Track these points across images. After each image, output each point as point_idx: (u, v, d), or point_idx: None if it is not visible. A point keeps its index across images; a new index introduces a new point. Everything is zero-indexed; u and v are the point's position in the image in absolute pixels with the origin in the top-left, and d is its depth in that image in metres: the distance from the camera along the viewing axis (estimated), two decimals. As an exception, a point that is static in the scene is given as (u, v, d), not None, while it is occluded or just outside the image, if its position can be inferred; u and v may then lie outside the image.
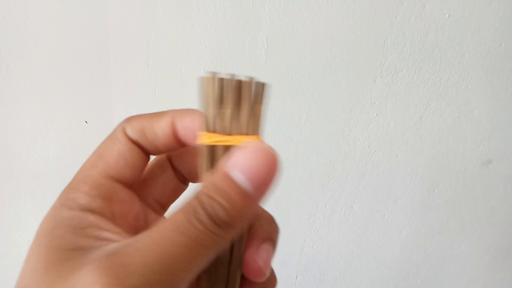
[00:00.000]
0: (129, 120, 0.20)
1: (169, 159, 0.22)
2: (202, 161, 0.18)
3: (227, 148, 0.17)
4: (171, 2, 0.51)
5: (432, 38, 0.54)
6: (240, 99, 0.17)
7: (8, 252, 0.67)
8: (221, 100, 0.17)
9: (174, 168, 0.22)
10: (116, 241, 0.16)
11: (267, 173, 0.16)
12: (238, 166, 0.16)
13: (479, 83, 0.57)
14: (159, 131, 0.20)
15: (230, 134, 0.17)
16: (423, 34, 0.53)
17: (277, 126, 0.59)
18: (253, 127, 0.18)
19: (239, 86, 0.17)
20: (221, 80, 0.17)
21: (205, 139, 0.17)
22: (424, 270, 0.75)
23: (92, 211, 0.18)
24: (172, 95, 0.55)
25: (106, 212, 0.18)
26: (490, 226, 0.71)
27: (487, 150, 0.63)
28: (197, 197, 0.16)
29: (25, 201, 0.62)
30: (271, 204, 0.63)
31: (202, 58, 0.53)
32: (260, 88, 0.17)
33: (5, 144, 0.58)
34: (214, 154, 0.17)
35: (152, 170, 0.22)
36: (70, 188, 0.19)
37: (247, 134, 0.18)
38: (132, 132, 0.20)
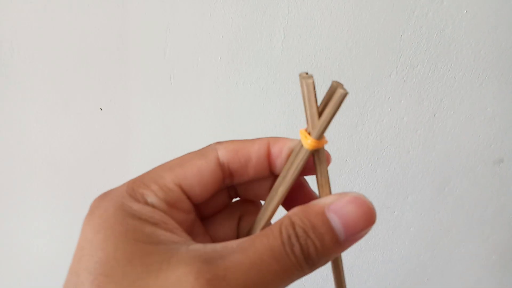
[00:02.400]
0: (222, 142, 0.20)
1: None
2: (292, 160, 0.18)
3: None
4: (189, -9, 0.51)
5: (448, 34, 0.54)
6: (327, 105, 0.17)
7: (22, 240, 0.67)
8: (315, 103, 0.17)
9: (226, 185, 0.22)
10: (193, 242, 0.17)
11: (362, 226, 0.16)
12: (338, 211, 0.16)
13: (494, 81, 0.57)
14: (254, 153, 0.20)
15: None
16: (440, 30, 0.53)
17: (291, 119, 0.59)
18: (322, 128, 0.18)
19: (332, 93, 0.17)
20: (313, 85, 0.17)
21: (318, 143, 0.18)
22: (431, 268, 0.75)
23: (158, 209, 0.18)
24: (188, 84, 0.55)
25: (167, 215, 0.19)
26: (498, 225, 0.71)
27: (499, 149, 0.63)
28: (294, 227, 0.16)
29: (41, 189, 0.62)
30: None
31: (219, 47, 0.53)
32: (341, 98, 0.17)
33: (20, 131, 0.58)
34: (318, 160, 0.18)
35: None
36: (140, 182, 0.18)
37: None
38: (224, 153, 0.20)
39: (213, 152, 0.20)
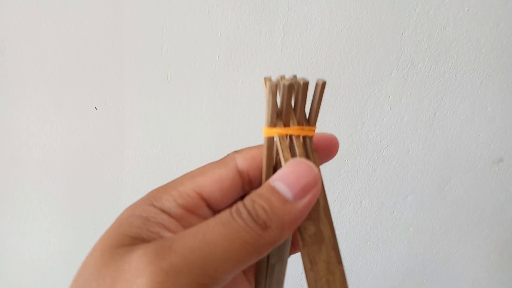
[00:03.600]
0: (239, 151, 0.21)
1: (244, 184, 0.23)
2: (265, 154, 0.20)
3: (287, 139, 0.20)
4: (187, -13, 0.50)
5: (450, 32, 0.53)
6: (294, 99, 0.19)
7: (12, 241, 0.65)
8: (277, 103, 0.19)
9: (245, 191, 0.23)
10: None
11: (306, 183, 0.18)
12: (280, 178, 0.18)
13: (495, 80, 0.57)
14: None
15: (289, 127, 0.20)
16: (441, 28, 0.53)
17: (290, 117, 0.58)
18: (313, 118, 0.20)
19: (291, 88, 0.18)
20: (276, 86, 0.18)
21: (266, 132, 0.19)
22: (430, 268, 0.74)
23: (170, 214, 0.19)
24: (186, 82, 0.54)
25: (183, 221, 0.20)
26: (497, 225, 0.71)
27: (499, 148, 0.63)
28: (242, 201, 0.18)
29: (31, 190, 0.61)
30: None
31: (217, 45, 0.52)
32: (318, 87, 0.19)
33: (11, 130, 0.56)
34: (279, 146, 0.20)
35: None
36: (164, 188, 0.20)
37: (303, 125, 0.20)
38: (243, 161, 0.21)
39: (232, 161, 0.21)
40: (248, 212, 0.17)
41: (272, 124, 0.19)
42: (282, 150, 0.19)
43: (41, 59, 0.53)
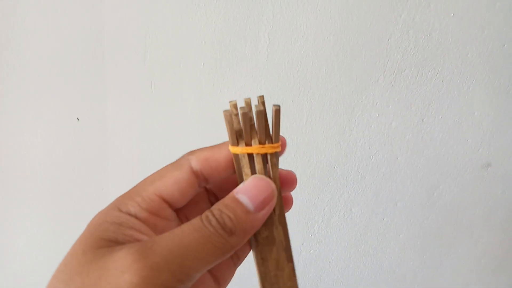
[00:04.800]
0: (193, 152, 0.23)
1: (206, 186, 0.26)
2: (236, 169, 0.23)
3: (251, 157, 0.23)
4: (170, -6, 0.49)
5: (436, 37, 0.53)
6: (254, 123, 0.22)
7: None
8: (238, 129, 0.22)
9: (209, 192, 0.26)
10: None
11: (265, 198, 0.21)
12: (243, 191, 0.21)
13: (481, 85, 0.57)
14: (222, 158, 0.23)
15: (250, 146, 0.23)
16: (427, 33, 0.52)
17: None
18: (274, 137, 0.23)
19: (245, 116, 0.22)
20: (231, 116, 0.22)
21: (231, 150, 0.23)
22: (421, 275, 0.74)
23: (137, 218, 0.21)
24: (170, 92, 0.53)
25: (150, 223, 0.22)
26: (487, 229, 0.71)
27: (487, 153, 0.63)
28: (211, 210, 0.21)
29: (12, 201, 0.59)
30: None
31: (201, 53, 0.51)
32: (275, 112, 0.22)
33: (-10, 142, 0.55)
34: (240, 163, 0.23)
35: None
36: (127, 196, 0.22)
37: (265, 143, 0.23)
38: (196, 162, 0.23)
39: (187, 162, 0.23)
40: (217, 220, 0.20)
41: (234, 144, 0.22)
42: (243, 166, 0.22)
43: (22, 69, 0.52)
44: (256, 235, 0.22)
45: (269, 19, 0.50)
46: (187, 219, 0.24)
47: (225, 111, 0.22)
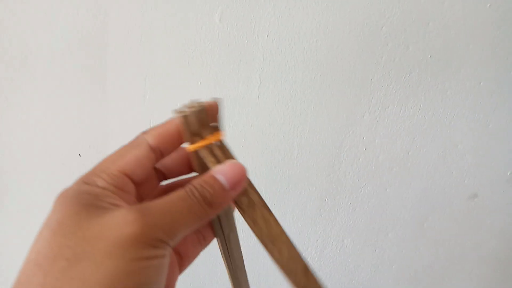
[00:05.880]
0: (146, 131, 0.26)
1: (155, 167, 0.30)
2: (194, 161, 0.27)
3: (207, 148, 0.27)
4: (169, 39, 0.53)
5: (415, 76, 0.57)
6: (202, 119, 0.26)
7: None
8: (190, 128, 0.26)
9: (157, 171, 0.30)
10: None
11: (238, 177, 0.26)
12: (221, 172, 0.26)
13: (462, 119, 0.60)
14: (173, 131, 0.26)
15: (204, 138, 0.27)
16: (407, 73, 0.56)
17: (269, 159, 0.60)
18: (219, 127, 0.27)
19: (188, 118, 0.26)
20: (183, 117, 0.26)
21: (193, 148, 0.27)
22: (416, 306, 0.74)
23: (108, 191, 0.24)
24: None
25: (118, 196, 0.25)
26: (478, 260, 0.72)
27: (472, 184, 0.65)
28: (194, 185, 0.25)
29: (13, 237, 0.61)
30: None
31: (197, 93, 0.55)
32: (212, 107, 0.27)
33: (-4, 177, 0.57)
34: (201, 154, 0.27)
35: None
36: (91, 173, 0.24)
37: (214, 133, 0.27)
38: (152, 139, 0.26)
39: (143, 141, 0.26)
40: (200, 193, 0.24)
41: (191, 142, 0.26)
42: (205, 157, 0.27)
43: (26, 103, 0.55)
44: (239, 206, 0.27)
45: (260, 62, 0.54)
46: (142, 193, 0.29)
47: (177, 117, 0.26)
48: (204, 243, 0.31)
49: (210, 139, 0.27)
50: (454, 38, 0.55)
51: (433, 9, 0.53)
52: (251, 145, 0.59)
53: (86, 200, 0.22)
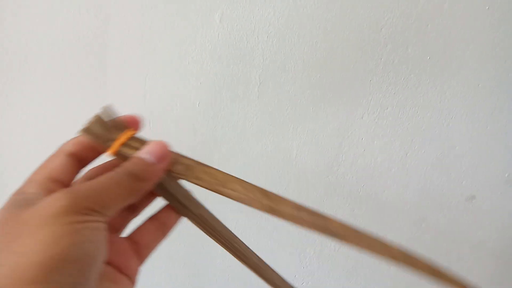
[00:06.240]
0: (67, 141, 0.29)
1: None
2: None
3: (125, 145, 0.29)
4: (169, 39, 0.53)
5: (414, 78, 0.57)
6: (104, 125, 0.29)
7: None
8: (97, 137, 0.29)
9: (82, 162, 0.32)
10: None
11: (162, 151, 0.29)
12: (146, 151, 0.28)
13: (460, 121, 0.60)
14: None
15: (116, 139, 0.29)
16: (406, 75, 0.57)
17: (269, 160, 0.60)
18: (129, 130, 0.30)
19: (87, 130, 0.28)
20: (83, 132, 0.28)
21: (112, 151, 0.29)
22: (414, 307, 0.74)
23: (40, 194, 0.26)
24: (167, 129, 0.56)
25: None
26: (477, 261, 0.72)
27: (470, 186, 0.65)
28: (121, 165, 0.27)
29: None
30: (261, 239, 0.63)
31: (197, 93, 0.55)
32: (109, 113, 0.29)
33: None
34: (122, 152, 0.29)
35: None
36: (20, 187, 0.26)
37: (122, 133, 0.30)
38: (72, 147, 0.29)
39: (63, 149, 0.28)
40: (127, 171, 0.27)
41: (107, 148, 0.29)
42: (127, 153, 0.29)
43: (26, 107, 0.55)
44: (180, 174, 0.30)
45: (259, 62, 0.54)
46: None
47: (80, 135, 0.29)
48: (165, 229, 0.33)
49: (123, 138, 0.29)
50: (453, 39, 0.55)
51: (432, 10, 0.54)
52: (250, 145, 0.59)
53: (20, 202, 0.25)
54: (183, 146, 0.58)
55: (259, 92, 0.56)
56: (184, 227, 0.34)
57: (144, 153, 0.29)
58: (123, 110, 0.56)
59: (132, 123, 0.32)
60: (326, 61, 0.55)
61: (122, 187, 0.27)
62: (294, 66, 0.55)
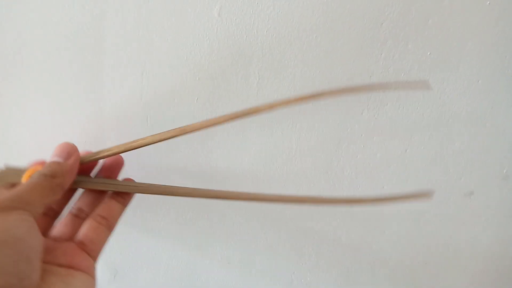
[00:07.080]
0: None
1: None
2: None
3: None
4: (166, 34, 0.52)
5: (414, 74, 0.57)
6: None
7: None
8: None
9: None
10: None
11: (68, 151, 0.38)
12: (52, 155, 0.37)
13: (460, 117, 0.60)
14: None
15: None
16: (406, 70, 0.56)
17: (268, 156, 0.59)
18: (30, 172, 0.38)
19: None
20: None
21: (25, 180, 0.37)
22: (412, 303, 0.75)
23: None
24: (165, 125, 0.56)
25: None
26: (474, 258, 0.72)
27: (469, 182, 0.65)
28: (41, 169, 0.35)
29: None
30: (260, 236, 0.63)
31: (195, 88, 0.54)
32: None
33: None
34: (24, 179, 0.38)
35: None
36: None
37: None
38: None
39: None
40: (43, 173, 0.34)
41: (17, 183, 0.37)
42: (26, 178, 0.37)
43: (20, 104, 0.54)
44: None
45: (259, 57, 0.54)
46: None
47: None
48: (108, 224, 0.40)
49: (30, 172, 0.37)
50: (453, 35, 0.55)
51: (433, 6, 0.53)
52: (249, 140, 0.58)
53: None
54: (181, 142, 0.57)
55: (258, 87, 0.55)
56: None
57: (53, 157, 0.37)
58: (120, 107, 0.55)
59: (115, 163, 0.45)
60: (325, 56, 0.54)
61: (42, 186, 0.33)
62: (293, 61, 0.54)
